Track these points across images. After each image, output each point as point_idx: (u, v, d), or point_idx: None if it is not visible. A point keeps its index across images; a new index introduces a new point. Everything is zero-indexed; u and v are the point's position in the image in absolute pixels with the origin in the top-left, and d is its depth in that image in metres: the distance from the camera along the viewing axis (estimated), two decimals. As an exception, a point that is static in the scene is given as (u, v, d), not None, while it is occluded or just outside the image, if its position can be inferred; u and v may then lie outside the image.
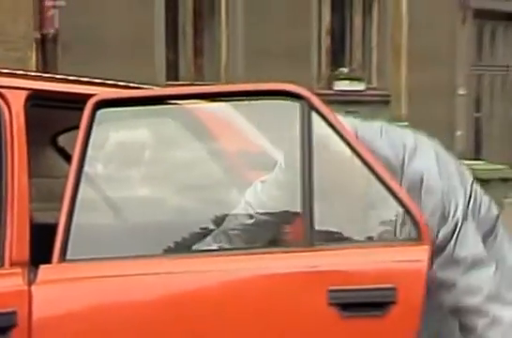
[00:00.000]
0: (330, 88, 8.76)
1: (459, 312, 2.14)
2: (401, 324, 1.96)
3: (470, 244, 2.14)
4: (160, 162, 2.31)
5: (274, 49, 7.83)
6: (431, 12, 9.02)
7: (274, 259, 2.01)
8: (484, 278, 2.12)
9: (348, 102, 7.90)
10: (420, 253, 1.99)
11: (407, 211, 2.01)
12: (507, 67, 10.79)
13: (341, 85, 8.74)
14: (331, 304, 1.93)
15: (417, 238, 2.00)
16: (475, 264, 2.13)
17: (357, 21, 9.15)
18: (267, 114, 2.17)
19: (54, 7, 6.32)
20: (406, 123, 8.48)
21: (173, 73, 7.56)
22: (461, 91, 9.71)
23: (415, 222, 2.00)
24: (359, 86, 8.76)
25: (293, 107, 2.03)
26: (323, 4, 8.72)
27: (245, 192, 2.24)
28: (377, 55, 9.15)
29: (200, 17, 7.89)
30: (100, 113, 2.05)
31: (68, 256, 1.97)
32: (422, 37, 8.81)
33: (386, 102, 8.87)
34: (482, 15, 10.06)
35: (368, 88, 8.84)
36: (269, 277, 1.99)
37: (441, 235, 2.11)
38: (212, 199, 2.23)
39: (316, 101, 2.05)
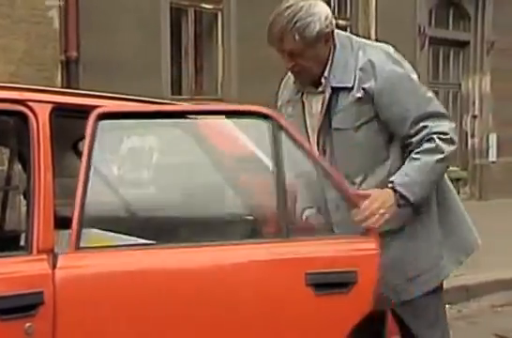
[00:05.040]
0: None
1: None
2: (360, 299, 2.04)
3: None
4: (150, 165, 2.38)
5: (263, 69, 7.82)
6: (396, 38, 9.04)
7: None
8: (448, 126, 2.13)
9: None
10: (372, 245, 2.07)
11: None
12: (458, 85, 10.85)
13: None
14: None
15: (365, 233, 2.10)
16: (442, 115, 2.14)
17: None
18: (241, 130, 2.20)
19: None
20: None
21: (176, 88, 7.56)
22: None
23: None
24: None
25: (264, 126, 2.08)
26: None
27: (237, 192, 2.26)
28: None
29: (200, 40, 7.90)
30: (102, 123, 2.04)
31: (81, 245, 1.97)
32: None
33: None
34: (436, 42, 10.14)
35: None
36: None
37: None
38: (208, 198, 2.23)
39: (283, 121, 2.10)
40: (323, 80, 2.17)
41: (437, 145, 2.10)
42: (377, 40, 9.21)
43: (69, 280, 1.93)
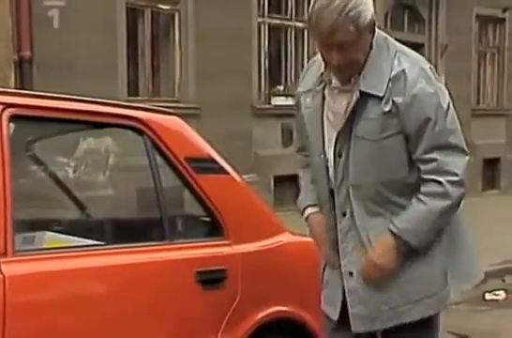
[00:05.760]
0: (269, 103, 8.80)
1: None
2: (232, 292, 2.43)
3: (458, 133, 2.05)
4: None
5: (220, 70, 7.82)
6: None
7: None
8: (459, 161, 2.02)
9: (284, 115, 7.94)
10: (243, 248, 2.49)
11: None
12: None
13: (278, 101, 8.78)
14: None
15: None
16: (459, 150, 2.03)
17: (290, 46, 9.22)
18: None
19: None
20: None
21: (133, 90, 7.49)
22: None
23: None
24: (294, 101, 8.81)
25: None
26: (262, 32, 8.76)
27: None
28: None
29: (157, 41, 7.85)
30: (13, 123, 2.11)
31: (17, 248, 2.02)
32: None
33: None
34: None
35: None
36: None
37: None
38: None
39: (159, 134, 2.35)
40: (352, 79, 2.03)
41: (446, 191, 1.99)
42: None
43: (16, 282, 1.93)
